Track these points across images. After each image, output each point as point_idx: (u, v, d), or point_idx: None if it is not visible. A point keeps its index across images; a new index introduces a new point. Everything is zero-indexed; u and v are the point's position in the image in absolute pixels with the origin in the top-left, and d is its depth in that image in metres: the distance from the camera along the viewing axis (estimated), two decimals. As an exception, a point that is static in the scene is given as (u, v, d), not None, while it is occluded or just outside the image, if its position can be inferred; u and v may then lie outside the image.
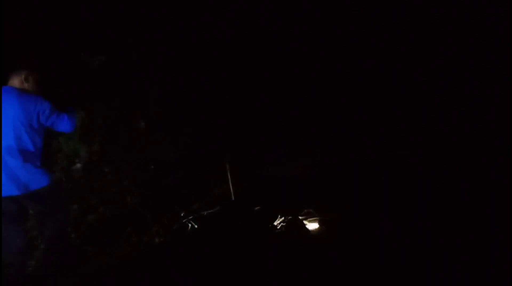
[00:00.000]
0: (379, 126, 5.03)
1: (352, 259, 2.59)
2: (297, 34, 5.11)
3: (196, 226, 3.38)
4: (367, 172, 4.09)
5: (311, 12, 5.07)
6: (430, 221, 2.89)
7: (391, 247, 2.67)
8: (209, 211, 3.76)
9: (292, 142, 5.08)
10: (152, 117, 4.35)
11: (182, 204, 3.76)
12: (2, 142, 2.37)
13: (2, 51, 3.37)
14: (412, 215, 3.00)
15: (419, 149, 4.38)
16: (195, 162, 4.37)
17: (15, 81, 2.51)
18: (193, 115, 4.64)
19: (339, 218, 3.20)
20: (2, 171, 2.36)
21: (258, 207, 3.53)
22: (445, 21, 4.73)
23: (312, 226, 3.20)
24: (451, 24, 4.71)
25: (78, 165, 4.35)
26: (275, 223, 3.25)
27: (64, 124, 2.54)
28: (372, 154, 4.52)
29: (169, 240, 3.30)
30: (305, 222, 3.26)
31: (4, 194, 2.36)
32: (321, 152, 4.87)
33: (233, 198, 3.71)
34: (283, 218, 3.26)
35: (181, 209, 3.66)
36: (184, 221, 3.51)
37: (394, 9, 4.94)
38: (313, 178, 4.24)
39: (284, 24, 4.97)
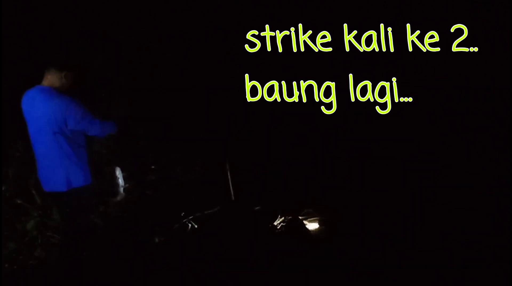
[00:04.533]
0: (379, 126, 5.02)
1: (352, 259, 2.59)
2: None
3: (196, 226, 3.39)
4: (366, 171, 4.09)
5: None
6: (429, 221, 2.89)
7: (391, 247, 2.67)
8: (209, 211, 3.76)
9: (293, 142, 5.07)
10: (153, 117, 4.34)
11: (182, 204, 3.75)
12: (40, 142, 2.42)
13: (2, 51, 3.37)
14: (412, 215, 3.00)
15: (419, 148, 4.38)
16: (195, 162, 4.37)
17: (53, 80, 2.44)
18: (194, 115, 4.64)
19: (339, 218, 3.21)
20: (43, 169, 2.47)
21: (258, 207, 3.53)
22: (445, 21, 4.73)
23: (312, 226, 3.21)
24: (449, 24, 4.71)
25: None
26: (275, 223, 3.25)
27: (95, 129, 2.55)
28: (371, 154, 4.52)
29: (169, 240, 3.30)
30: (305, 222, 3.26)
31: (48, 189, 2.49)
32: (321, 152, 4.87)
33: (233, 198, 3.71)
34: (283, 218, 3.26)
35: (181, 209, 3.66)
36: (184, 221, 3.51)
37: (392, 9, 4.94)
38: (314, 178, 4.24)
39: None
